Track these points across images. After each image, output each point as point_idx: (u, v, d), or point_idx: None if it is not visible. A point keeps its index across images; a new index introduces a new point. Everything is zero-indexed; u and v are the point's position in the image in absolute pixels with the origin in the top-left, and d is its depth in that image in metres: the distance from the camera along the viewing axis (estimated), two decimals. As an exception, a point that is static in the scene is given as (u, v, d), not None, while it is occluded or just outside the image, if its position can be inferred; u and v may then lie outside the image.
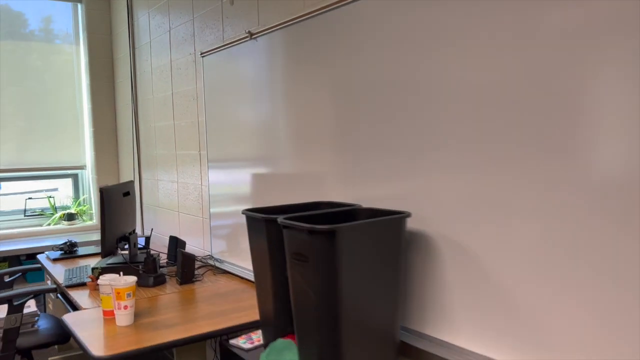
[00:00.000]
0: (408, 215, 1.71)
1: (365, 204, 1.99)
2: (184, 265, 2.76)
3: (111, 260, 2.93)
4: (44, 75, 4.66)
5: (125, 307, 2.14)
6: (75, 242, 3.63)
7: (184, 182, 3.61)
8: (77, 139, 4.84)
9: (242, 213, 1.94)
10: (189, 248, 3.57)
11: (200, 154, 3.36)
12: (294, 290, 1.67)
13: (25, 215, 4.65)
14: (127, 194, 3.06)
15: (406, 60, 1.78)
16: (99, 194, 2.77)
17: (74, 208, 4.80)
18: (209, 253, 3.29)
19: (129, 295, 2.15)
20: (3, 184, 4.58)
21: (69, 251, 3.59)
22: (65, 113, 4.79)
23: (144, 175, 4.32)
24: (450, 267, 1.69)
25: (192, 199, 3.51)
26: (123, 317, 2.15)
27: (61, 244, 3.63)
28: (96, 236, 4.45)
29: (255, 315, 2.22)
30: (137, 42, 4.25)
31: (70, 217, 4.73)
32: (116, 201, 2.87)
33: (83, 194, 4.92)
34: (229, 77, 2.90)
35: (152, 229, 4.09)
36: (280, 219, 1.68)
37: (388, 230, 1.67)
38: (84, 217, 4.85)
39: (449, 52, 1.64)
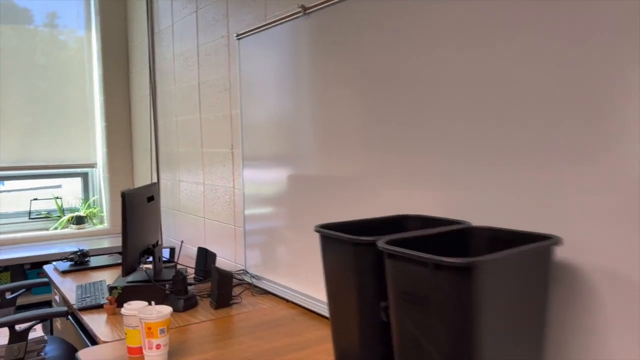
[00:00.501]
0: (558, 241, 1.25)
1: (472, 219, 1.53)
2: (220, 286, 2.30)
3: (131, 277, 2.48)
4: (51, 67, 4.21)
5: (158, 347, 1.69)
6: (87, 252, 3.18)
7: (212, 184, 3.16)
8: (87, 135, 4.40)
9: (316, 231, 1.49)
10: (219, 261, 3.11)
11: (232, 152, 2.91)
12: (401, 341, 1.21)
13: (30, 218, 4.21)
14: (151, 198, 2.62)
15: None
16: (121, 199, 2.32)
17: (84, 210, 4.36)
18: (243, 267, 2.84)
19: (162, 331, 1.70)
20: (6, 183, 4.13)
21: (79, 262, 3.14)
22: (75, 107, 4.34)
23: (162, 176, 3.87)
24: (612, 311, 1.23)
25: (222, 204, 3.06)
26: (155, 359, 1.70)
27: (71, 254, 3.18)
28: (108, 242, 4.01)
29: (321, 356, 1.76)
30: (156, 26, 3.80)
31: (79, 220, 4.29)
32: (139, 208, 2.43)
33: (93, 195, 4.48)
34: (271, 63, 2.44)
35: (182, 242, 3.59)
36: (382, 243, 1.23)
37: (533, 262, 1.21)
38: (94, 221, 4.41)
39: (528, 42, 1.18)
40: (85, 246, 3.79)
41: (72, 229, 4.25)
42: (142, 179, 4.22)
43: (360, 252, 1.36)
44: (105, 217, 4.41)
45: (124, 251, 2.25)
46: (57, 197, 4.33)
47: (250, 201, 2.70)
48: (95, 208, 4.43)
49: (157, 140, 3.87)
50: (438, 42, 1.61)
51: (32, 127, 4.14)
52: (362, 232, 1.58)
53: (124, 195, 2.31)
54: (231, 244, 2.99)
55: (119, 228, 4.36)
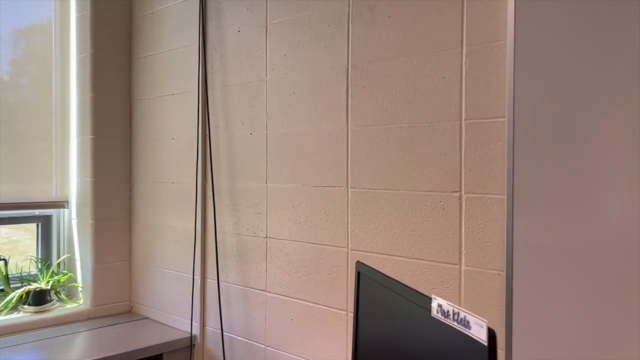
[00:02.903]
0: None
1: None
2: None
3: None
4: None
5: None
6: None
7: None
8: (52, 156, 2.69)
9: None
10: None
11: (460, 196, 1.53)
12: None
13: (-56, 295, 2.39)
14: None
15: None
16: (355, 276, 0.89)
17: (44, 280, 2.61)
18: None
19: None
20: None
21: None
22: (32, 112, 2.64)
23: (224, 228, 2.31)
24: None
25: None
26: None
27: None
28: (91, 338, 2.33)
29: None
30: (215, -20, 2.30)
31: (39, 298, 2.54)
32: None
33: (62, 253, 2.74)
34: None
35: None
36: None
37: None
38: (63, 297, 2.67)
39: None
40: (53, 349, 2.11)
41: (26, 312, 2.49)
42: (147, 225, 2.60)
43: None
44: (83, 291, 2.69)
45: None
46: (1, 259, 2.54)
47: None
48: (63, 275, 2.69)
49: (212, 167, 2.31)
50: None
51: (-37, 138, 2.38)
52: None
53: (359, 272, 0.88)
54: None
55: (108, 309, 2.67)
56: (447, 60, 1.55)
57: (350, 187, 1.79)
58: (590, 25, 1.27)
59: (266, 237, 2.08)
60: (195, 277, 2.36)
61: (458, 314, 0.81)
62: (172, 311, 2.51)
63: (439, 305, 0.86)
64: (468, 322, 0.78)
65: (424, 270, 1.61)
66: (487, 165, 1.47)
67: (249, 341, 2.14)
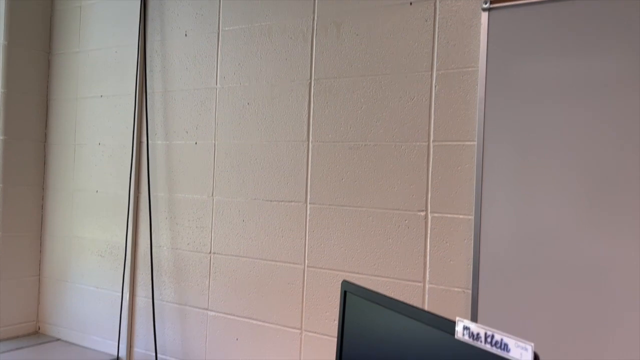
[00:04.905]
0: None
1: None
2: None
3: None
4: None
5: None
6: None
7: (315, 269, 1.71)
8: (-50, 155, 2.36)
9: None
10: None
11: (425, 215, 1.56)
12: None
13: None
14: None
15: None
16: (341, 296, 0.87)
17: None
18: None
19: None
20: None
21: None
22: None
23: (156, 241, 2.15)
24: None
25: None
26: None
27: None
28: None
29: None
30: (158, -21, 2.17)
31: None
32: None
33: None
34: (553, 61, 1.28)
35: None
36: None
37: None
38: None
39: None
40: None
41: None
42: (65, 245, 2.37)
43: None
44: (-21, 310, 2.37)
45: None
46: None
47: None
48: (-44, 293, 2.36)
49: (149, 176, 2.15)
50: None
51: None
52: None
53: (346, 292, 0.90)
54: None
55: (12, 330, 2.39)
56: (417, 82, 1.59)
57: (310, 203, 1.76)
58: (562, 54, 1.37)
59: (210, 252, 1.98)
60: (123, 294, 2.18)
61: (492, 336, 0.82)
62: (90, 331, 2.30)
63: (466, 328, 0.87)
64: (506, 344, 0.80)
65: (386, 288, 1.62)
66: (455, 186, 1.52)
67: (185, 363, 2.02)
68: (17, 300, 2.41)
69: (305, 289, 1.76)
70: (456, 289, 1.51)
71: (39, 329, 2.48)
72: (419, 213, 1.57)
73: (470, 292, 1.48)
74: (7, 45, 2.36)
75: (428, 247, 1.56)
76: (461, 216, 1.51)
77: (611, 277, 1.28)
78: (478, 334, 0.85)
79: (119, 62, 2.25)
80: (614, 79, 1.29)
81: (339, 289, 1.69)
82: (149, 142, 2.15)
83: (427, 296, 1.55)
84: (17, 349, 2.26)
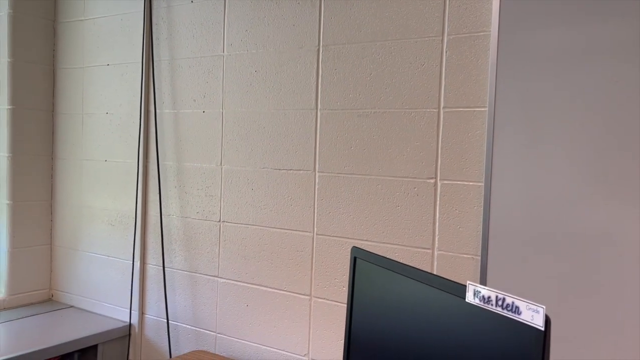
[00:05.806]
0: None
1: None
2: None
3: None
4: None
5: None
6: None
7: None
8: (-42, 125, 2.37)
9: None
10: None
11: (435, 182, 1.56)
12: None
13: None
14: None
15: None
16: (351, 263, 0.88)
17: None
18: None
19: None
20: None
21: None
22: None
23: (165, 209, 2.17)
24: None
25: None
26: None
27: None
28: (5, 333, 2.12)
29: None
30: (163, -56, 2.13)
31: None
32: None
33: (-36, 236, 2.44)
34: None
35: None
36: None
37: None
38: (-31, 285, 2.38)
39: None
40: None
41: None
42: (75, 214, 2.39)
43: None
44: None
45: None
46: None
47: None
48: (-30, 261, 2.39)
49: (157, 145, 2.15)
50: None
51: None
52: None
53: (355, 258, 0.91)
54: None
55: (26, 298, 2.43)
56: (427, 48, 1.56)
57: (318, 172, 1.76)
58: (576, 20, 1.34)
59: (220, 220, 1.99)
60: (134, 262, 2.21)
61: (503, 299, 0.83)
62: (101, 299, 2.33)
63: (476, 292, 0.87)
64: (517, 307, 0.80)
65: (395, 254, 1.62)
66: (465, 153, 1.51)
67: (196, 328, 2.05)
68: (30, 268, 2.45)
69: (314, 256, 1.77)
70: (465, 256, 1.51)
71: (52, 296, 2.52)
72: (428, 180, 1.57)
73: (479, 258, 1.48)
74: (12, 13, 2.34)
75: (437, 214, 1.56)
76: (471, 183, 1.50)
77: (622, 244, 1.27)
78: (489, 297, 0.86)
79: (125, 30, 2.23)
80: (632, 44, 1.27)
81: (348, 256, 1.70)
82: (157, 111, 2.14)
83: (435, 262, 1.56)
84: (32, 315, 2.31)
